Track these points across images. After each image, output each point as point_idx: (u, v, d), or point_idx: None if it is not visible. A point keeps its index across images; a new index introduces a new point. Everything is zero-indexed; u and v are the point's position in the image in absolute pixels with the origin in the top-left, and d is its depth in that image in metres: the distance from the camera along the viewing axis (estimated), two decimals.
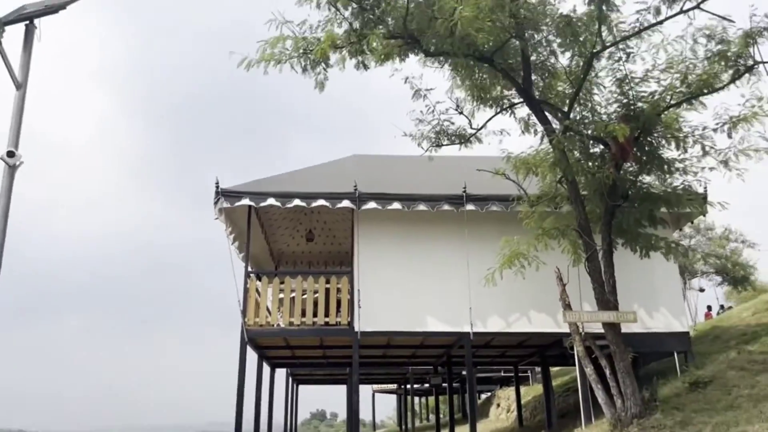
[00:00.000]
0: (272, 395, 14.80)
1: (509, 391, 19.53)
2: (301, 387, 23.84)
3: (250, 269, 11.25)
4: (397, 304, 10.88)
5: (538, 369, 21.65)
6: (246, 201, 10.67)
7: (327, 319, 10.88)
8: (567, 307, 9.07)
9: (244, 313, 10.67)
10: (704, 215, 8.75)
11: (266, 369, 14.14)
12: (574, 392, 15.15)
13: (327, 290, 11.12)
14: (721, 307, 23.76)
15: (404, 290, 10.97)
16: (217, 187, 10.70)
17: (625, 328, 10.62)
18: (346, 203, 10.76)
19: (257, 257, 14.13)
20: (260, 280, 11.34)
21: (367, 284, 10.88)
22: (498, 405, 19.81)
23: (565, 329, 10.82)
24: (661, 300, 10.92)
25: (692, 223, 8.95)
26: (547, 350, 13.14)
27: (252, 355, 11.61)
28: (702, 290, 25.30)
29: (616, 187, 8.55)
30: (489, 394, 25.75)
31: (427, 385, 23.22)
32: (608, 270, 8.41)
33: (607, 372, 8.25)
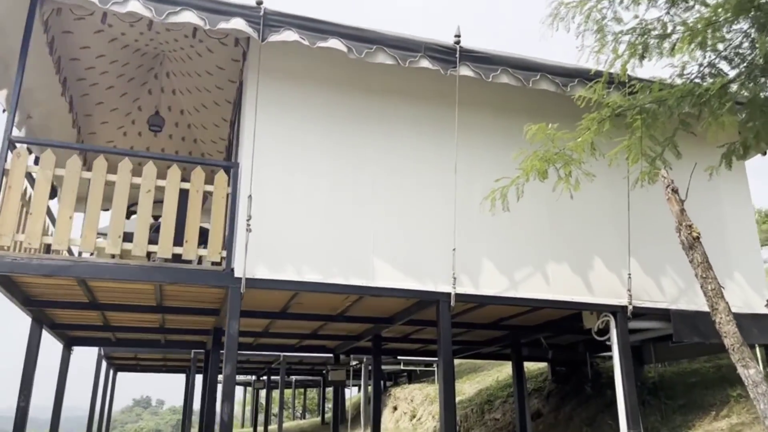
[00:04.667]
0: (62, 391, 8.77)
1: (411, 390, 15.06)
2: (122, 373, 17.49)
3: (14, 134, 5.40)
4: (321, 236, 5.74)
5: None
6: None
7: (178, 250, 5.42)
8: (696, 240, 4.56)
9: None
10: None
11: (54, 346, 8.14)
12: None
13: (183, 193, 5.66)
14: None
15: (335, 211, 5.86)
16: None
17: (676, 306, 6.58)
18: (238, 23, 5.36)
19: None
20: (37, 163, 5.48)
21: (266, 193, 5.62)
22: (395, 408, 15.23)
23: (601, 298, 6.46)
24: (734, 264, 6.95)
25: None
26: (523, 335, 8.70)
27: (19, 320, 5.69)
28: None
29: None
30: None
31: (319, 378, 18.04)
32: None
33: None
